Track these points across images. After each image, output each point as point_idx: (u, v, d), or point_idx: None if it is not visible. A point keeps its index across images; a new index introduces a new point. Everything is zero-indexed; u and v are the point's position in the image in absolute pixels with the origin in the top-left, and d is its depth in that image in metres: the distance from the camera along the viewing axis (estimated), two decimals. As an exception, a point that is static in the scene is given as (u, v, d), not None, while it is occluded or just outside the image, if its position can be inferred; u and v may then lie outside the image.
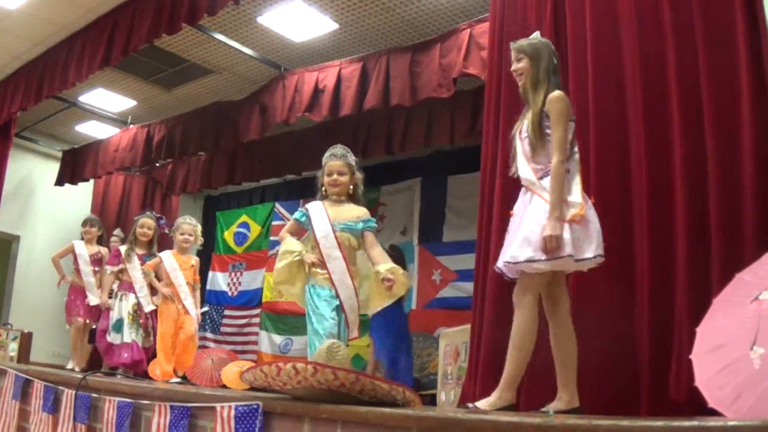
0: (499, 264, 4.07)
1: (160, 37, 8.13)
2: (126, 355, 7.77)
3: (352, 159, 5.40)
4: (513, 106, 5.33)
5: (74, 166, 12.57)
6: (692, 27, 4.38)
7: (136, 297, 8.05)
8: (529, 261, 3.79)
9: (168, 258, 7.70)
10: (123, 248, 8.27)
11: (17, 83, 10.36)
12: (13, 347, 8.93)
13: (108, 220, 12.68)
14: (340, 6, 8.35)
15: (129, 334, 7.87)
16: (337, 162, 5.29)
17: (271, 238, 13.40)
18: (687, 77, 4.36)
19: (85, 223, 9.22)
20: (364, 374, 3.48)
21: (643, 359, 4.22)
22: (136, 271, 8.03)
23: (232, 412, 3.64)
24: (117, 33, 8.34)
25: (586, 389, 3.94)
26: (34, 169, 13.48)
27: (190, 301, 7.61)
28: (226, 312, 12.87)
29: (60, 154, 13.11)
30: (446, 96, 7.51)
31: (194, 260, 7.98)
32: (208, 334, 12.67)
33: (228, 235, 13.61)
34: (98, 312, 8.51)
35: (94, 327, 8.57)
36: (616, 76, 4.80)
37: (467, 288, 6.36)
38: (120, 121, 12.29)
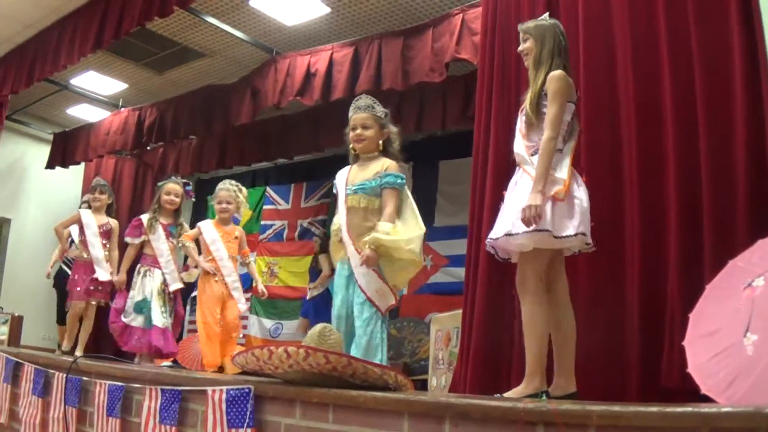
0: (487, 242, 4.08)
1: (152, 20, 8.09)
2: (151, 340, 7.11)
3: (380, 110, 4.97)
4: (505, 91, 5.35)
5: (65, 149, 12.53)
6: (686, 12, 4.38)
7: (162, 273, 7.39)
8: (508, 234, 3.78)
9: (208, 228, 7.05)
10: (145, 217, 7.59)
11: (8, 66, 10.32)
12: (3, 331, 8.93)
13: (99, 204, 12.68)
14: (333, -10, 8.32)
15: (160, 317, 7.20)
16: (361, 114, 4.91)
17: (263, 222, 13.40)
18: (680, 63, 4.37)
19: (93, 189, 8.24)
20: (356, 358, 3.48)
21: (634, 346, 4.23)
22: (161, 242, 7.40)
23: (224, 396, 3.63)
24: (109, 16, 8.30)
25: (577, 376, 3.94)
26: (26, 152, 13.48)
27: (234, 279, 6.94)
28: (217, 297, 12.84)
29: (51, 137, 13.06)
30: (438, 81, 7.50)
31: (238, 231, 7.28)
32: (198, 320, 12.63)
33: (219, 220, 13.60)
34: (107, 289, 7.91)
35: (102, 305, 7.91)
36: (608, 61, 4.81)
37: (458, 273, 6.36)
38: (111, 104, 12.26)
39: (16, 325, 9.01)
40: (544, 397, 3.63)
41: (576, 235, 3.70)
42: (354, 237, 4.73)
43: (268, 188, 13.38)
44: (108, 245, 7.97)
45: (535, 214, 3.65)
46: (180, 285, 7.45)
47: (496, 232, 3.90)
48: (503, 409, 2.65)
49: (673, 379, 3.90)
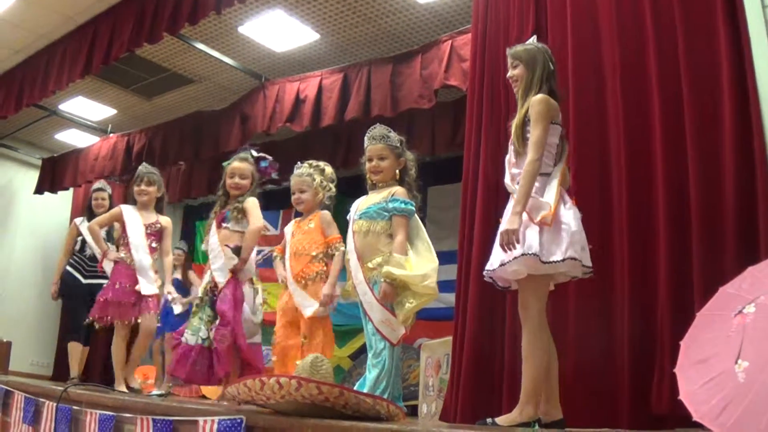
0: (484, 274, 4.08)
1: (141, 46, 8.16)
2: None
3: (395, 139, 4.89)
4: (495, 116, 5.37)
5: (54, 175, 12.53)
6: (674, 31, 4.41)
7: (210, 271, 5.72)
8: (502, 264, 3.78)
9: (288, 229, 5.82)
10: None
11: (-4, 91, 10.35)
12: (-9, 357, 8.87)
13: (87, 229, 12.65)
14: (321, 16, 8.36)
15: (194, 333, 5.45)
16: (377, 145, 4.84)
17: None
18: (667, 79, 4.38)
19: (139, 180, 6.64)
20: (349, 389, 3.48)
21: (624, 372, 4.23)
22: (212, 236, 5.79)
23: (215, 426, 3.61)
24: (98, 41, 8.35)
25: (566, 401, 3.95)
26: (14, 178, 13.44)
27: (299, 292, 5.42)
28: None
29: (40, 162, 13.07)
30: (427, 107, 7.54)
31: (317, 219, 5.61)
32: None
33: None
34: (153, 304, 6.33)
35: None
36: (596, 86, 4.83)
37: (447, 299, 6.35)
38: (100, 129, 12.27)
39: (4, 350, 8.98)
40: (536, 426, 3.63)
41: (564, 260, 3.69)
42: (361, 263, 4.68)
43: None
44: (157, 249, 6.56)
45: (510, 239, 3.66)
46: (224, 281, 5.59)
47: (492, 263, 3.89)
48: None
49: (663, 405, 3.91)
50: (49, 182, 12.61)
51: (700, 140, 4.16)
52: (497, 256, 3.84)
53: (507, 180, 4.05)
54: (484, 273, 4.03)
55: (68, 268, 7.63)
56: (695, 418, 2.72)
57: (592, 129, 4.77)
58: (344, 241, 5.13)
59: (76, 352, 7.39)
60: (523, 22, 5.37)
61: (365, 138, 4.91)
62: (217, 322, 5.45)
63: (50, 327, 12.99)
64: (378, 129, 4.90)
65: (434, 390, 5.56)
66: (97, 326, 6.32)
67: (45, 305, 12.97)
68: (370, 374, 4.48)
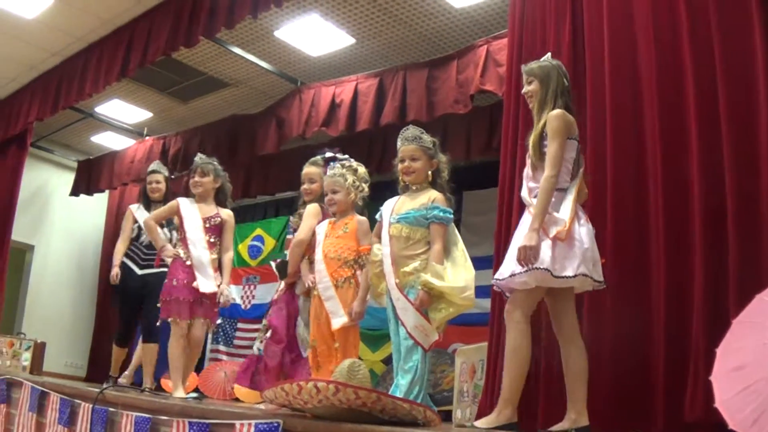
0: (493, 281, 4.13)
1: (178, 50, 8.18)
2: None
3: (428, 141, 4.85)
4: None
5: (89, 177, 12.62)
6: (709, 34, 4.38)
7: None
8: (512, 275, 3.84)
9: (320, 228, 5.53)
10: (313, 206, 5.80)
11: (33, 93, 10.45)
12: (26, 357, 8.90)
13: (122, 233, 12.72)
14: (357, 21, 8.37)
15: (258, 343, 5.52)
16: (409, 146, 4.81)
17: (285, 251, 13.38)
18: (703, 81, 4.35)
19: (192, 171, 6.39)
20: (386, 394, 3.48)
21: (658, 378, 4.21)
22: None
23: (252, 430, 3.62)
24: (134, 45, 8.39)
25: (599, 406, 3.95)
26: (50, 179, 13.54)
27: (332, 297, 5.18)
28: (240, 325, 12.78)
29: (75, 165, 13.18)
30: (463, 112, 7.51)
31: (353, 224, 5.38)
32: (221, 347, 12.62)
33: (242, 248, 13.54)
34: (209, 307, 6.03)
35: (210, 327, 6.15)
36: (633, 90, 4.80)
37: (482, 304, 6.31)
38: (136, 132, 12.35)
39: (38, 351, 8.97)
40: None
41: (575, 276, 3.75)
42: (395, 267, 4.66)
43: (291, 218, 13.34)
44: (217, 245, 6.21)
45: (529, 255, 3.72)
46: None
47: (503, 272, 3.96)
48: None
49: (697, 413, 3.89)
50: (84, 184, 12.70)
51: (736, 145, 4.12)
52: (508, 267, 3.92)
53: (524, 193, 4.11)
54: (493, 281, 4.10)
55: (125, 259, 7.30)
56: (731, 426, 2.72)
57: (628, 133, 4.75)
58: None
59: (152, 355, 7.19)
60: (559, 27, 5.35)
61: (398, 139, 4.92)
62: (269, 334, 5.46)
63: (85, 328, 13.10)
64: (411, 130, 4.89)
65: (469, 395, 5.52)
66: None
67: (80, 306, 13.14)
68: (403, 380, 4.46)
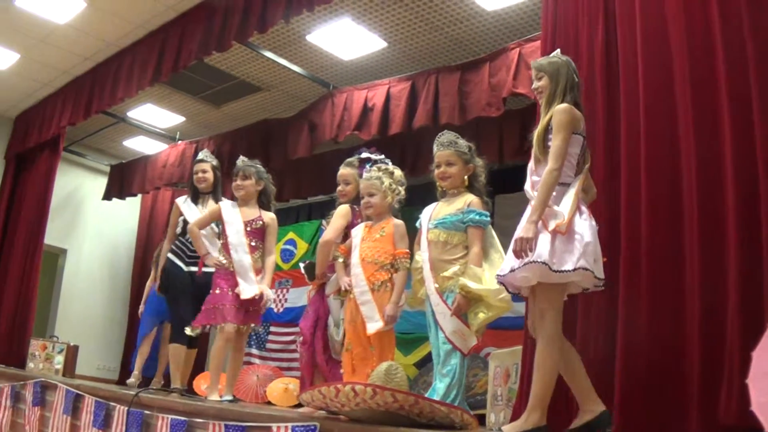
0: (495, 277, 4.15)
1: (210, 55, 8.21)
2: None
3: (463, 145, 4.90)
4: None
5: (122, 181, 12.67)
6: (742, 38, 4.34)
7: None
8: (512, 270, 3.82)
9: (357, 231, 5.52)
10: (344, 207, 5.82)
11: (66, 98, 10.54)
12: (59, 360, 8.96)
13: (155, 236, 12.85)
14: (389, 24, 8.38)
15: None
16: (445, 151, 4.84)
17: (317, 255, 13.39)
18: (737, 85, 4.31)
19: (234, 174, 6.29)
20: (423, 397, 3.48)
21: (692, 380, 4.17)
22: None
23: (289, 433, 3.63)
24: (167, 49, 8.43)
25: (633, 406, 3.94)
26: (82, 184, 13.63)
27: (368, 301, 5.15)
28: (272, 329, 12.80)
29: (108, 169, 13.25)
30: (495, 115, 7.49)
31: (389, 228, 5.34)
32: (254, 351, 12.65)
33: (275, 252, 13.63)
34: (254, 308, 5.98)
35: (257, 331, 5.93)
36: (667, 92, 4.77)
37: (516, 308, 6.30)
38: (168, 137, 12.40)
39: (71, 354, 9.03)
40: None
41: (575, 270, 3.70)
42: (434, 272, 4.69)
43: (323, 221, 13.34)
44: (259, 248, 6.12)
45: (524, 247, 3.70)
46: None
47: (503, 268, 3.96)
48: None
49: (732, 416, 3.85)
50: (117, 188, 12.76)
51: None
52: (508, 262, 3.90)
53: (527, 187, 4.10)
54: (496, 277, 4.09)
55: (169, 255, 6.92)
56: (767, 430, 2.69)
57: (662, 135, 4.72)
58: (409, 248, 5.12)
59: (179, 356, 6.62)
60: (592, 28, 5.33)
61: (434, 144, 4.93)
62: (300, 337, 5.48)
63: (117, 331, 13.17)
64: (446, 135, 4.92)
65: (503, 399, 5.52)
66: (193, 332, 6.02)
67: (112, 309, 13.21)
68: (441, 383, 4.47)
